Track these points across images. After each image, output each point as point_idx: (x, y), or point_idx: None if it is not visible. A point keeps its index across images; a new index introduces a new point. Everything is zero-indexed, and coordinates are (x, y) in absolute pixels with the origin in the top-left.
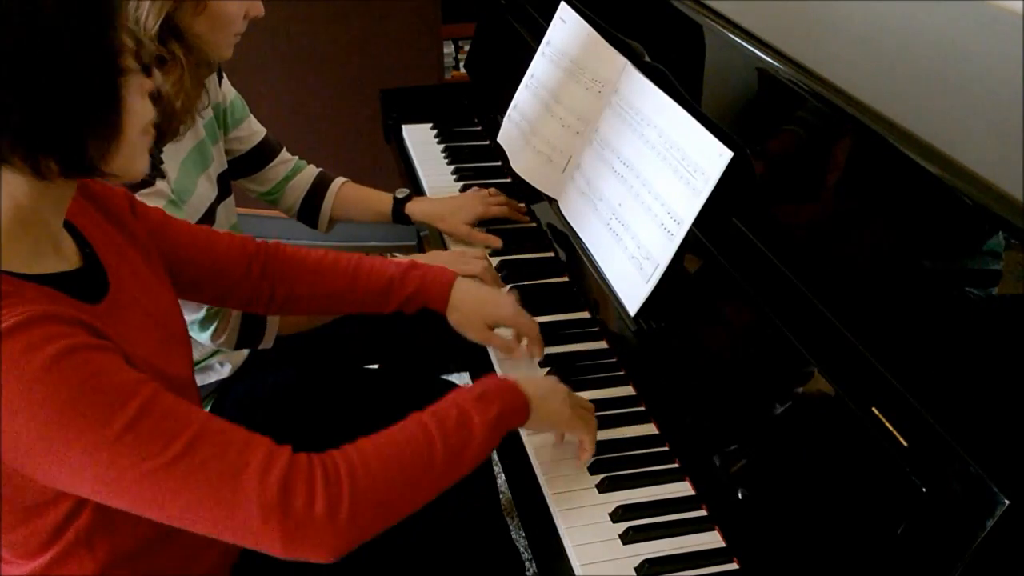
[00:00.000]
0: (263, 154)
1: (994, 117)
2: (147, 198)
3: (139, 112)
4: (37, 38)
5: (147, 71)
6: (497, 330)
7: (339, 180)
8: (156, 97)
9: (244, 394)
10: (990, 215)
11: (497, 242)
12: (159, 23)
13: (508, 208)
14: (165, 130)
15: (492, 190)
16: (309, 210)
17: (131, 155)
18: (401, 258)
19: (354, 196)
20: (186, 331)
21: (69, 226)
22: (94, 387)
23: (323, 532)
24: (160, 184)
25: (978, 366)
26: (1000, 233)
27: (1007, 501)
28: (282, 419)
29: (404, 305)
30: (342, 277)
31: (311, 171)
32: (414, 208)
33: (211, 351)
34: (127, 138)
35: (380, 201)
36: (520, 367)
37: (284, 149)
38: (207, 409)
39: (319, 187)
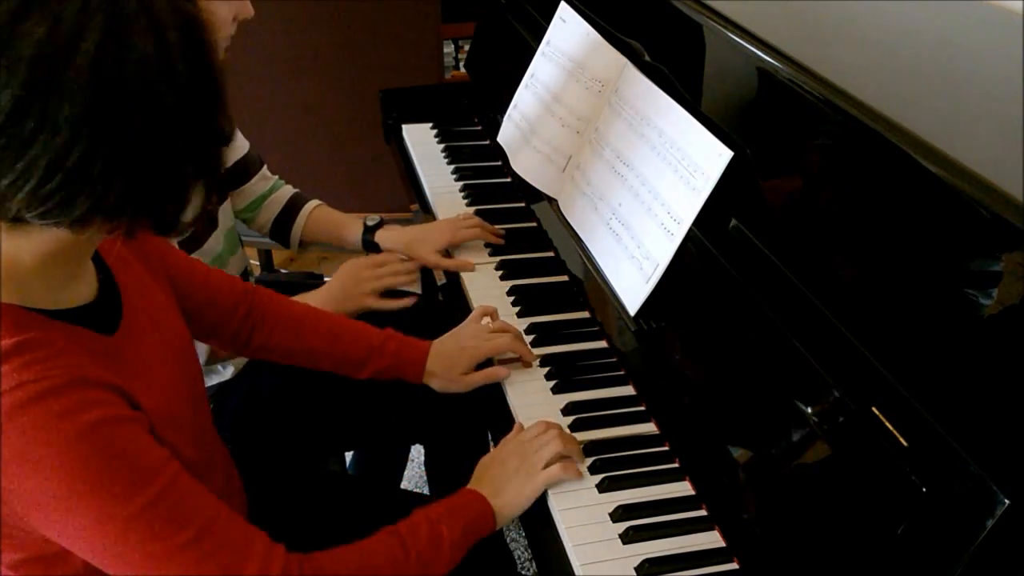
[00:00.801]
0: (245, 169)
1: (994, 117)
2: None
3: None
4: (169, 116)
5: None
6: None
7: (313, 203)
8: None
9: (246, 396)
10: (990, 215)
11: (470, 264)
12: None
13: (480, 230)
14: None
15: (466, 214)
16: (280, 230)
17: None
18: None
19: (325, 219)
20: (194, 349)
21: None
22: (123, 462)
23: None
24: None
25: (978, 366)
26: (1000, 233)
27: (1007, 501)
28: (283, 421)
29: (378, 374)
30: (322, 337)
31: (287, 191)
32: (383, 237)
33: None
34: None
35: (350, 227)
36: (523, 374)
37: (265, 167)
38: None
39: (292, 207)
